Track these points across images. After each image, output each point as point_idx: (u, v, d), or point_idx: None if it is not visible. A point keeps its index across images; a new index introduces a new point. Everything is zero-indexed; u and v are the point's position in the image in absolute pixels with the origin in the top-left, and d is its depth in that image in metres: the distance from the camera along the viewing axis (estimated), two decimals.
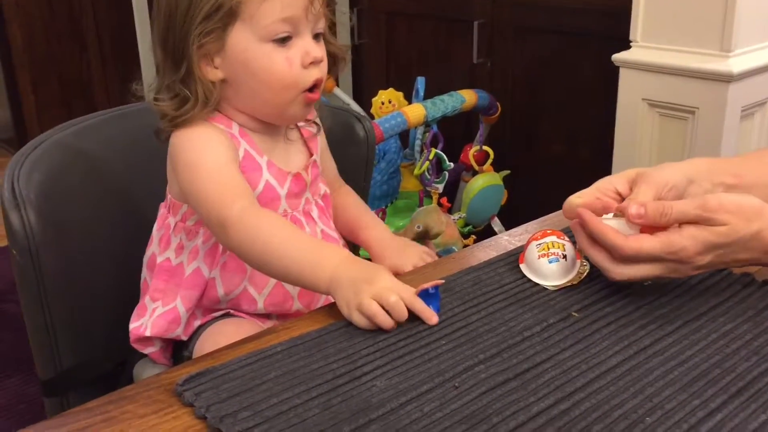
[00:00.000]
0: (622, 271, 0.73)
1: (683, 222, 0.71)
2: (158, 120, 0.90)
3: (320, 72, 0.88)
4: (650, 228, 0.73)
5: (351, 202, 1.08)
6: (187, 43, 0.84)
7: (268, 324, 0.95)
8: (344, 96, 2.47)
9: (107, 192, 1.06)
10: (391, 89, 2.30)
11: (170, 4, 0.86)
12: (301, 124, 0.99)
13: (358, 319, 0.72)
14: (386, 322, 0.71)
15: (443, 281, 0.77)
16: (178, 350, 0.98)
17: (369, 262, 0.81)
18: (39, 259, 0.93)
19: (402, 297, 0.72)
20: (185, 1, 0.84)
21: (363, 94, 2.66)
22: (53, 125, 1.07)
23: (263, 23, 0.84)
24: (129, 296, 1.01)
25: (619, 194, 0.79)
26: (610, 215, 0.76)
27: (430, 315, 0.73)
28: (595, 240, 0.74)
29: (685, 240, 0.70)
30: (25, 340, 0.98)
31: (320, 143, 1.01)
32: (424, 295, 0.74)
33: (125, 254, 1.05)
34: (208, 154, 0.86)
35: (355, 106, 2.44)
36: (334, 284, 0.76)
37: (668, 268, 0.72)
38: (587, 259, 0.80)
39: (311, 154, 0.98)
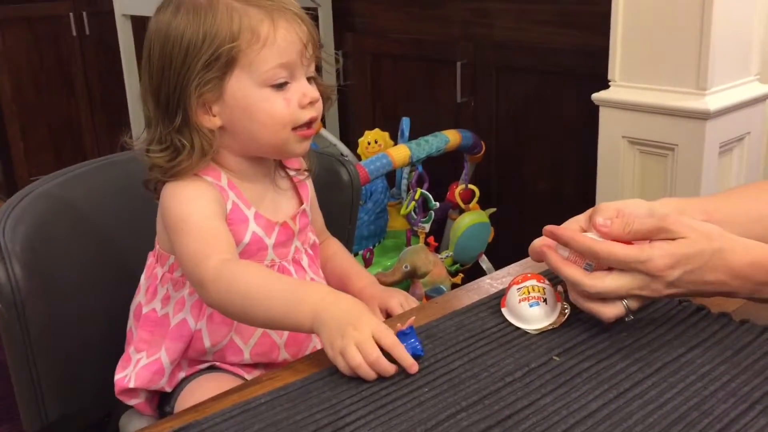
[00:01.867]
0: (594, 283, 0.75)
1: (644, 234, 0.74)
2: (147, 171, 0.90)
3: (316, 111, 0.90)
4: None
5: (339, 253, 1.10)
6: (185, 94, 0.85)
7: (255, 374, 0.95)
8: (331, 137, 2.49)
9: (95, 242, 1.06)
10: (377, 129, 2.33)
11: (163, 58, 0.86)
12: (291, 173, 1.00)
13: (343, 366, 0.73)
14: (368, 375, 0.72)
15: (414, 317, 0.78)
16: (164, 401, 0.98)
17: (350, 297, 0.80)
18: (25, 312, 0.93)
19: (384, 344, 0.73)
20: (180, 53, 0.85)
21: (350, 135, 2.69)
22: (42, 171, 1.08)
23: (262, 69, 0.86)
24: (116, 346, 1.01)
25: (584, 231, 0.81)
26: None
27: (410, 364, 0.74)
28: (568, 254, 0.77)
29: (653, 250, 0.73)
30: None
31: (310, 192, 1.02)
32: (401, 335, 0.75)
33: (113, 304, 1.05)
34: (193, 210, 0.87)
35: (342, 147, 2.46)
36: (317, 323, 0.76)
37: (640, 282, 0.74)
38: (568, 302, 0.82)
39: (302, 203, 0.99)
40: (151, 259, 0.98)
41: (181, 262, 0.87)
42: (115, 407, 1.03)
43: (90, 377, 1.04)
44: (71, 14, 3.52)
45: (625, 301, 0.76)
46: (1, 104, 3.41)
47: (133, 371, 0.94)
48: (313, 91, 0.89)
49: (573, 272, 0.76)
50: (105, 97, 3.63)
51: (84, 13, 3.55)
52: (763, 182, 0.94)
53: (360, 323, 0.75)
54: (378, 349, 0.73)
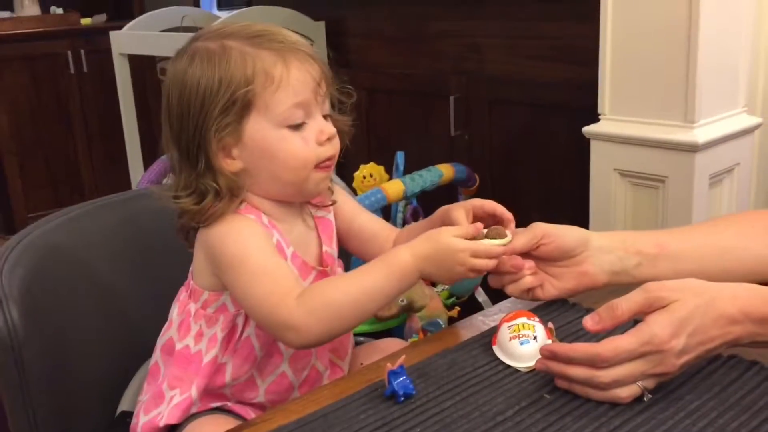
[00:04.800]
0: (608, 374, 0.72)
1: (635, 311, 0.73)
2: (177, 219, 0.91)
3: (334, 148, 0.91)
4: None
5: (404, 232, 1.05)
6: (205, 139, 0.87)
7: None
8: None
9: (93, 284, 1.06)
10: (372, 163, 2.35)
11: (181, 106, 0.88)
12: (314, 211, 0.99)
13: (473, 275, 0.86)
14: (491, 264, 0.87)
15: (404, 356, 0.78)
16: None
17: (424, 238, 0.87)
18: (21, 356, 0.93)
19: (477, 253, 0.85)
20: (197, 100, 0.87)
21: (345, 169, 2.70)
22: (40, 208, 1.09)
23: (278, 111, 0.87)
24: (115, 389, 1.01)
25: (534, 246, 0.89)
26: (484, 231, 0.88)
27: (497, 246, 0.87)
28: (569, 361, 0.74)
29: (651, 326, 0.71)
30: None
31: (348, 214, 1.02)
32: (391, 374, 0.76)
33: (112, 346, 1.05)
34: (251, 249, 0.87)
35: (338, 180, 2.47)
36: (425, 271, 0.85)
37: (652, 362, 0.72)
38: (558, 339, 0.83)
39: (322, 244, 0.99)
40: (183, 294, 0.97)
41: (249, 306, 0.88)
42: None
43: (87, 419, 1.04)
44: (69, 52, 3.57)
45: (639, 382, 0.73)
46: None
47: (167, 408, 0.94)
48: (329, 128, 0.91)
49: (582, 372, 0.73)
50: (103, 134, 3.66)
51: (82, 51, 3.60)
52: (724, 217, 0.95)
53: (451, 246, 0.84)
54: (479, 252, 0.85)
